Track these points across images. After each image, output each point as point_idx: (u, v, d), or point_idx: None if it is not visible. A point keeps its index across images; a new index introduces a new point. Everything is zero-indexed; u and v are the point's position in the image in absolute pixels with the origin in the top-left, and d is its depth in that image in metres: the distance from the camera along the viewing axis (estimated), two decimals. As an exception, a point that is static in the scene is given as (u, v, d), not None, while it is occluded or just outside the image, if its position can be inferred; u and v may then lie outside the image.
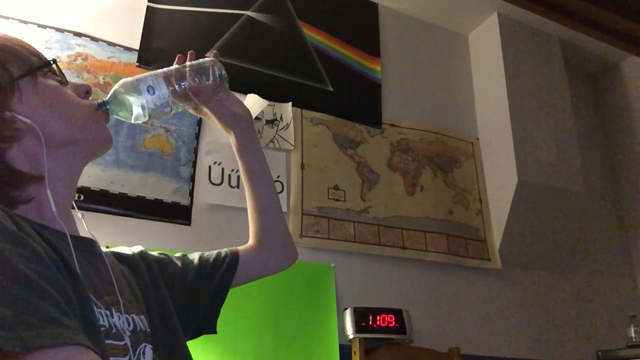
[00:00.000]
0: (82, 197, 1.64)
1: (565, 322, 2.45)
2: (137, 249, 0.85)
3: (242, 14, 2.21)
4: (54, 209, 0.64)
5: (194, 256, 0.91)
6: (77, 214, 0.75)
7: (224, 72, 0.87)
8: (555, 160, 2.46)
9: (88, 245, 0.71)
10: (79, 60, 1.82)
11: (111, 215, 1.70)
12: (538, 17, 2.60)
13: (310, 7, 2.39)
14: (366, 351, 1.79)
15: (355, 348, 1.79)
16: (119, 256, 0.80)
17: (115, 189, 1.73)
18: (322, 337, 1.84)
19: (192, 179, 1.88)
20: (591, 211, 2.72)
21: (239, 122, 0.91)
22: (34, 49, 0.73)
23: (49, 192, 0.65)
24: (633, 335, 2.27)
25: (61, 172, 0.69)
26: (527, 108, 2.50)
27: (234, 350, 1.69)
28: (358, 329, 1.83)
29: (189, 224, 1.82)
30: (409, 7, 2.65)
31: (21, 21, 1.77)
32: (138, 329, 0.68)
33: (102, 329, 0.61)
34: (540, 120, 2.52)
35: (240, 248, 0.94)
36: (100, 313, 0.61)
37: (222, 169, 1.94)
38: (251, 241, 0.96)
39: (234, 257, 0.91)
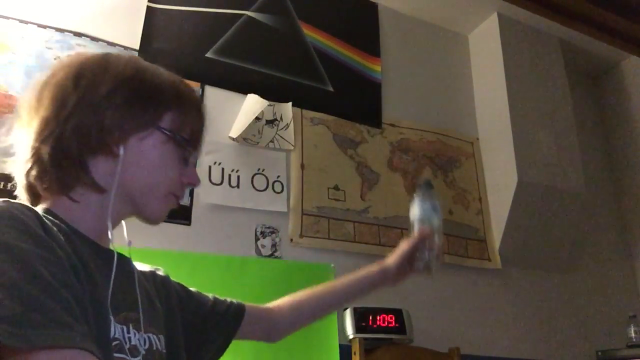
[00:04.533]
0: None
1: (565, 322, 2.45)
2: (160, 271, 0.85)
3: (242, 14, 2.21)
4: (110, 224, 0.66)
5: (210, 300, 0.92)
6: (124, 237, 0.75)
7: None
8: (555, 160, 2.46)
9: (121, 261, 0.70)
10: (79, 60, 1.81)
11: (111, 215, 1.69)
12: (538, 17, 2.60)
13: (310, 7, 2.39)
14: (366, 351, 1.79)
15: (355, 348, 1.79)
16: (145, 275, 0.79)
17: (115, 189, 1.72)
18: (322, 337, 1.83)
19: (192, 179, 1.88)
20: (591, 211, 2.72)
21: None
22: (206, 115, 0.75)
23: (110, 207, 0.66)
24: (633, 335, 2.27)
25: (114, 206, 0.69)
26: (527, 108, 2.50)
27: (234, 350, 1.68)
28: (358, 329, 1.83)
29: (189, 224, 1.83)
30: (409, 7, 2.65)
31: (21, 21, 1.77)
32: (154, 348, 0.68)
33: (116, 342, 0.61)
34: (540, 120, 2.52)
35: (250, 306, 0.97)
36: (116, 326, 0.61)
37: (222, 169, 1.94)
38: (273, 307, 0.99)
39: (239, 312, 0.95)
